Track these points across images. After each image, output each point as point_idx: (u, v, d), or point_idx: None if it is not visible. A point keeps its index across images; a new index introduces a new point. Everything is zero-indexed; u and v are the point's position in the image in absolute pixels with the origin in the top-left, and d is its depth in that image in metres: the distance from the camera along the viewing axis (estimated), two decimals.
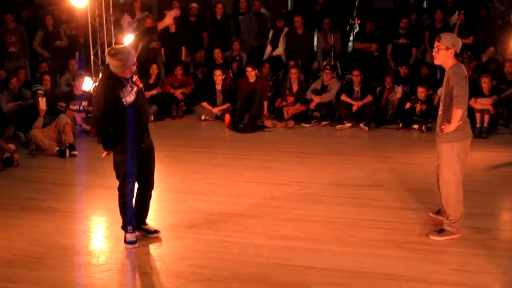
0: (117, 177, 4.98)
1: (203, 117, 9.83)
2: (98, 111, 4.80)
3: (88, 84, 9.26)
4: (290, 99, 9.59)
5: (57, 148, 7.87)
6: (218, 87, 9.81)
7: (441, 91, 5.27)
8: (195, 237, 5.22)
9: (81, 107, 9.00)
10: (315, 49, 11.17)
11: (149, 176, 5.12)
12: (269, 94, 9.92)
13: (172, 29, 10.22)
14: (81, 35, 10.53)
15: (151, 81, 9.98)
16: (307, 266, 4.66)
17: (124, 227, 5.07)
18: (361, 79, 9.41)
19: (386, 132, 8.95)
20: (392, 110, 9.36)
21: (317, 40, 11.19)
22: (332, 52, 10.61)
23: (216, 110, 9.75)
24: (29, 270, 4.69)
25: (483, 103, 8.57)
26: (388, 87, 9.47)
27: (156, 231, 5.25)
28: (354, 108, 9.15)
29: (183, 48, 10.75)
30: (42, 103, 8.14)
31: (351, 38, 11.72)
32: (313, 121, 9.37)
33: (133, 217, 5.06)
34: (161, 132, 8.42)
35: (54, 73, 10.29)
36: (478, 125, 8.46)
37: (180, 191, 6.45)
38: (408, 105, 9.00)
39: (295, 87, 9.65)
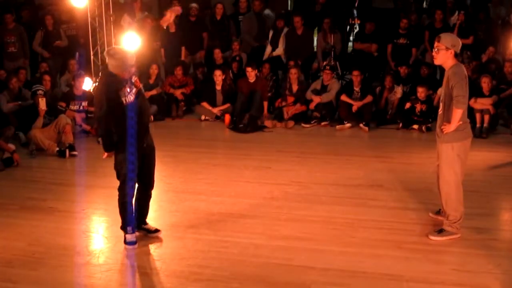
0: (118, 177, 4.98)
1: (203, 117, 9.83)
2: (101, 112, 4.79)
3: (88, 84, 9.27)
4: (290, 99, 9.59)
5: (57, 148, 7.87)
6: (218, 87, 9.81)
7: (441, 91, 5.27)
8: (195, 237, 5.22)
9: (81, 107, 8.99)
10: (315, 49, 11.17)
11: (149, 176, 5.12)
12: (269, 94, 9.92)
13: (172, 29, 10.22)
14: (81, 35, 10.53)
15: (151, 81, 9.98)
16: (307, 266, 4.66)
17: (123, 228, 5.07)
18: (361, 79, 9.41)
19: (386, 132, 8.95)
20: (392, 110, 9.36)
21: (317, 40, 11.19)
22: (332, 52, 10.61)
23: (216, 110, 9.75)
24: (29, 270, 4.69)
25: (483, 103, 8.57)
26: (388, 87, 9.47)
27: (156, 230, 5.26)
28: (354, 108, 9.15)
29: (183, 48, 10.76)
30: (42, 103, 8.14)
31: (351, 38, 11.72)
32: (313, 121, 9.37)
33: (133, 217, 5.05)
34: (161, 132, 8.42)
35: (54, 73, 10.28)
36: (478, 125, 8.46)
37: (180, 191, 6.46)
38: (408, 105, 9.00)
39: (295, 87, 9.65)
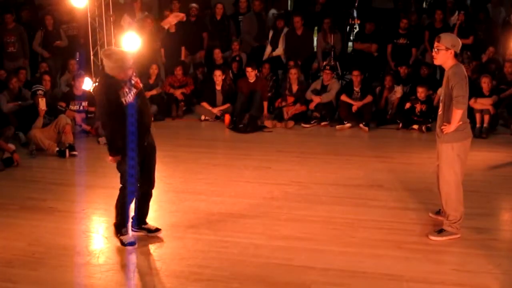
0: (121, 178, 4.97)
1: (203, 117, 9.83)
2: (104, 114, 4.77)
3: (88, 84, 9.27)
4: (290, 99, 9.59)
5: (57, 148, 7.87)
6: (218, 87, 9.81)
7: (441, 91, 5.27)
8: (195, 237, 5.22)
9: (81, 107, 8.99)
10: (315, 49, 11.17)
11: (150, 175, 5.11)
12: (269, 94, 9.92)
13: (172, 29, 10.19)
14: (81, 35, 10.53)
15: (151, 81, 9.98)
16: (307, 266, 4.66)
17: (118, 229, 5.05)
18: (361, 79, 9.41)
19: (386, 132, 8.95)
20: (392, 110, 9.36)
21: (317, 40, 11.19)
22: (332, 52, 10.61)
23: (216, 111, 9.75)
24: (29, 270, 4.69)
25: (483, 103, 8.57)
26: (387, 86, 9.47)
27: (157, 230, 5.26)
28: (354, 108, 9.15)
29: (183, 48, 10.76)
30: (42, 103, 8.14)
31: (351, 38, 11.72)
32: (313, 121, 9.37)
33: (129, 219, 5.06)
34: (161, 132, 8.39)
35: (54, 73, 10.28)
36: (478, 125, 8.46)
37: (180, 191, 6.46)
38: (408, 105, 9.00)
39: (295, 87, 9.65)
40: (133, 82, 4.83)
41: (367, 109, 9.16)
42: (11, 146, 7.56)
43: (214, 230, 5.36)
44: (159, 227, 5.29)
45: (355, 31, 11.76)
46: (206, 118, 9.81)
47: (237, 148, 8.32)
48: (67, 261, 4.82)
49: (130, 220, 5.17)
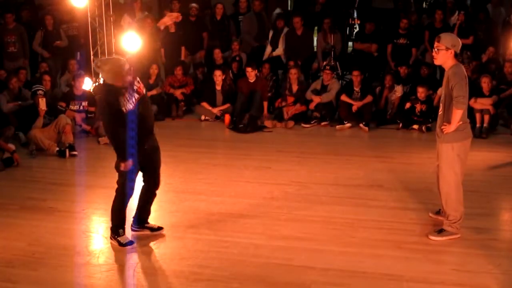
0: (119, 178, 4.97)
1: (203, 117, 9.83)
2: (111, 123, 4.74)
3: (88, 84, 9.27)
4: (290, 99, 9.59)
5: (57, 148, 7.86)
6: (218, 87, 9.81)
7: (441, 91, 5.27)
8: (195, 237, 5.22)
9: (81, 107, 8.99)
10: (315, 49, 11.17)
11: (154, 176, 5.12)
12: (269, 94, 9.92)
13: (172, 29, 10.23)
14: (82, 35, 10.53)
15: (151, 81, 9.97)
16: (307, 266, 4.66)
17: (115, 230, 5.04)
18: (361, 79, 9.41)
19: (386, 132, 8.95)
20: (392, 110, 9.36)
21: (317, 40, 11.19)
22: (332, 52, 10.60)
23: (216, 111, 9.74)
24: (29, 270, 4.69)
25: (483, 103, 8.57)
26: (387, 85, 9.47)
27: (160, 228, 5.28)
28: (354, 108, 9.15)
29: (183, 48, 10.76)
30: (42, 103, 8.14)
31: (351, 38, 11.72)
32: (313, 121, 9.37)
33: (126, 219, 5.06)
34: (161, 132, 8.27)
35: (54, 73, 10.28)
36: (478, 125, 8.46)
37: (180, 191, 6.46)
38: (408, 105, 9.00)
39: (295, 87, 9.65)
40: (135, 88, 4.80)
41: (367, 109, 9.16)
42: (11, 146, 7.56)
43: (214, 230, 5.36)
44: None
45: (355, 31, 11.75)
46: (206, 118, 9.80)
47: (237, 148, 8.32)
48: (67, 261, 4.82)
49: (130, 220, 5.18)
